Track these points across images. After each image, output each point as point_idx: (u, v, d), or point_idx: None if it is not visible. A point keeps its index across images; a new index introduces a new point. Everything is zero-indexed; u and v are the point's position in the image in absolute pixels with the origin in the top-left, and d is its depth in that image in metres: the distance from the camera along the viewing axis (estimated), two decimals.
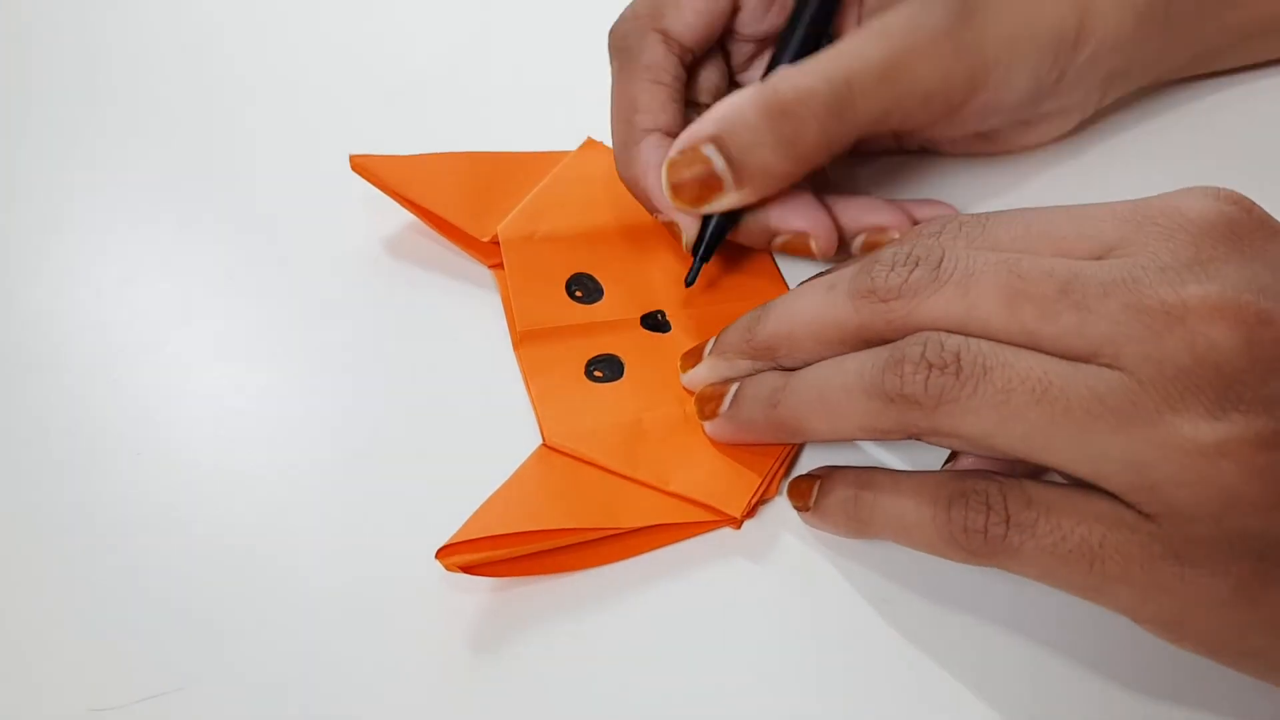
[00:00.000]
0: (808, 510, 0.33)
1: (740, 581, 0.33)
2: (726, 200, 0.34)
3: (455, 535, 0.31)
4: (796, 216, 0.36)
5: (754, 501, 0.34)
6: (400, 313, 0.39)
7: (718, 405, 0.33)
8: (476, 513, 0.32)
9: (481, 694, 0.31)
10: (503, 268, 0.39)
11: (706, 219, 0.36)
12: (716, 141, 0.34)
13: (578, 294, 0.38)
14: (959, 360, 0.27)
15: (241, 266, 0.40)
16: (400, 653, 0.31)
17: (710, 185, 0.34)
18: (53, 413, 0.36)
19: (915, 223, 0.38)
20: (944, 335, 0.28)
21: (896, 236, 0.37)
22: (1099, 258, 0.28)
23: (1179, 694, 0.30)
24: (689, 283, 0.37)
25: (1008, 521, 0.27)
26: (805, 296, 0.31)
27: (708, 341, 0.35)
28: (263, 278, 0.40)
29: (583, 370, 0.37)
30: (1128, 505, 0.26)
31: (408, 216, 0.40)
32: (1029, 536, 0.27)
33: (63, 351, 0.38)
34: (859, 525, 0.31)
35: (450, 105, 0.46)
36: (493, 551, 0.31)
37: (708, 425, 0.34)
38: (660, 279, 0.39)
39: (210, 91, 0.47)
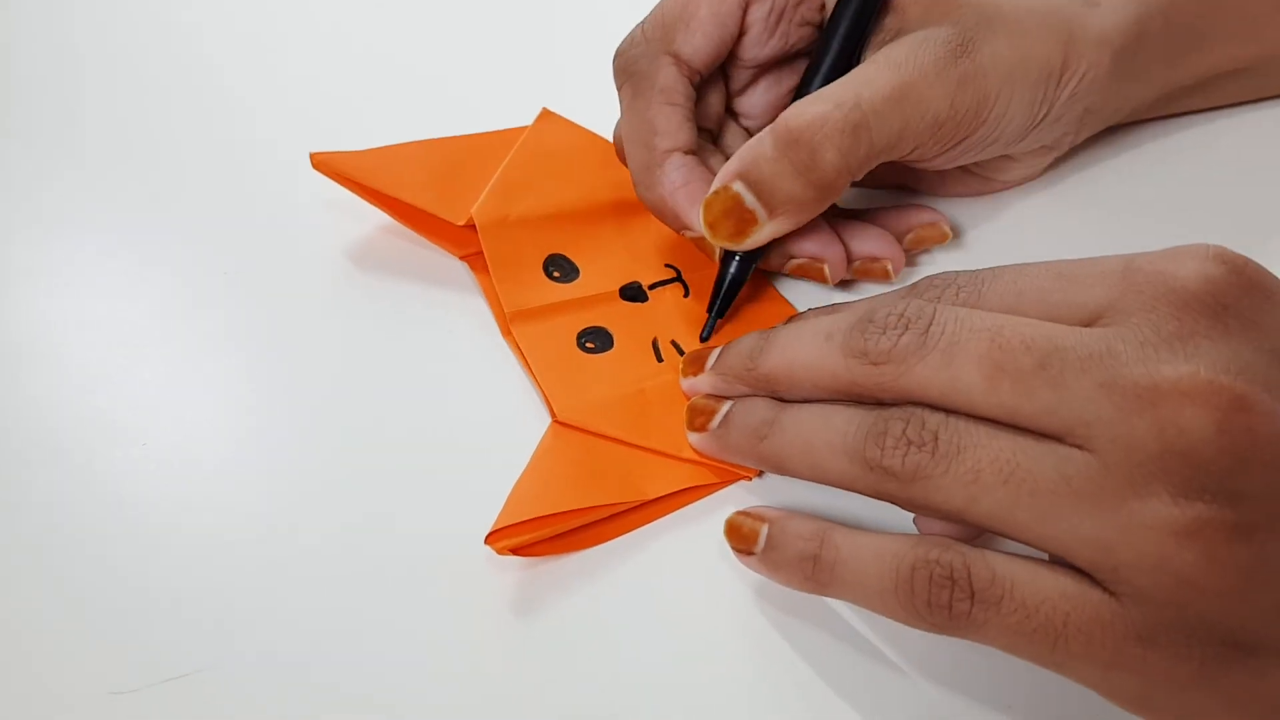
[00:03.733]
0: (750, 555, 0.31)
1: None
2: (764, 232, 0.35)
3: (498, 520, 0.31)
4: (813, 243, 0.38)
5: None
6: (383, 312, 0.39)
7: (707, 421, 0.34)
8: (511, 496, 0.32)
9: (510, 670, 0.31)
10: (477, 255, 0.39)
11: (724, 267, 0.37)
12: (743, 177, 0.35)
13: (555, 274, 0.39)
14: (936, 440, 0.27)
15: (220, 275, 0.40)
16: (420, 635, 0.31)
17: (745, 219, 0.35)
18: (60, 409, 0.37)
19: (905, 249, 0.40)
20: (926, 413, 0.28)
21: (889, 267, 0.39)
22: (1086, 323, 0.28)
23: None
24: (704, 338, 0.38)
25: (972, 598, 0.27)
26: (803, 341, 0.32)
27: (711, 352, 0.35)
28: (243, 285, 0.40)
29: (574, 343, 0.37)
30: (1094, 583, 0.26)
31: (375, 218, 0.40)
32: (994, 614, 0.26)
33: (61, 354, 0.38)
34: (815, 586, 0.30)
35: (402, 95, 0.46)
36: (536, 532, 0.32)
37: (693, 437, 0.34)
38: (631, 252, 0.40)
39: (167, 107, 0.46)
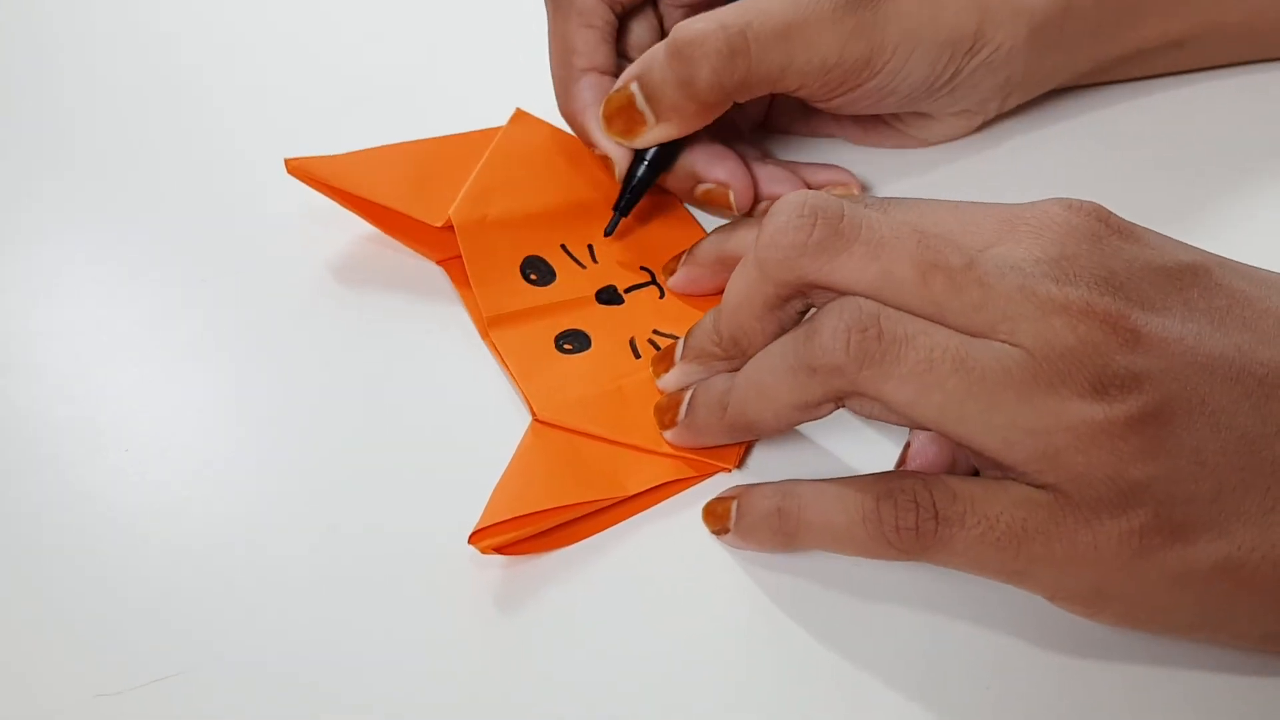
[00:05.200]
0: (727, 532, 0.33)
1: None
2: (651, 134, 0.38)
3: (481, 519, 0.31)
4: (720, 168, 0.39)
5: (745, 449, 0.35)
6: (363, 315, 0.39)
7: (675, 415, 0.34)
8: (494, 495, 0.32)
9: (494, 668, 0.31)
10: (454, 260, 0.39)
11: (633, 169, 0.39)
12: (638, 80, 0.37)
13: (532, 278, 0.39)
14: (879, 324, 0.28)
15: (200, 282, 0.41)
16: (404, 635, 0.32)
17: (635, 119, 0.37)
18: (42, 415, 0.37)
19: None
20: (861, 300, 0.28)
21: None
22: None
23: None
24: (607, 233, 0.40)
25: (937, 517, 0.28)
26: (735, 277, 0.32)
27: (675, 345, 0.35)
28: (223, 291, 0.40)
29: (553, 345, 0.38)
30: (1035, 486, 0.28)
31: (353, 223, 0.40)
32: (959, 529, 0.28)
33: (42, 361, 0.38)
34: (785, 539, 0.32)
35: (376, 99, 0.46)
36: (519, 531, 0.32)
37: (667, 434, 0.35)
38: (606, 255, 0.40)
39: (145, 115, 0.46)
